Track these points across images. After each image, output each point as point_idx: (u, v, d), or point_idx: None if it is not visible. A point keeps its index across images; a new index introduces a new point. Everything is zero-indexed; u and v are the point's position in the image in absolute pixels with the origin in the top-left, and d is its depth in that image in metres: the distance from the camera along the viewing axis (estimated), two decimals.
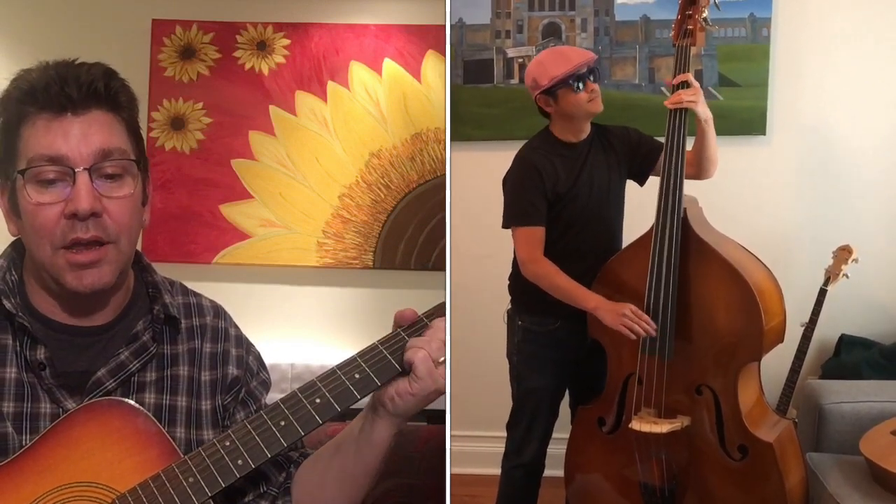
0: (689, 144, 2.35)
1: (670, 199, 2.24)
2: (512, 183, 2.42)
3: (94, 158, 1.21)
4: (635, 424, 2.27)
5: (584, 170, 2.41)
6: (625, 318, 2.24)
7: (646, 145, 2.48)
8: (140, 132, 1.32)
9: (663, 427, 2.24)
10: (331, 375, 1.22)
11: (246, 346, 1.42)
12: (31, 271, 1.28)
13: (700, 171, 2.41)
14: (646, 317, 2.24)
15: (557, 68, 2.33)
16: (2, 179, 1.27)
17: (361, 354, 1.23)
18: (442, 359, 1.21)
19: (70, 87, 1.21)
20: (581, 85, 2.34)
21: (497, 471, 2.60)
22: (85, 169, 1.20)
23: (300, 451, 1.40)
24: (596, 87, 2.36)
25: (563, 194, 2.38)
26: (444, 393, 1.23)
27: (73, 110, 1.21)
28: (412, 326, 1.26)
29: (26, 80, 1.24)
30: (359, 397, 1.21)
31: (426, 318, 1.26)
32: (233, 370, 1.37)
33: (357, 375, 1.21)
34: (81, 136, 1.21)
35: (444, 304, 1.25)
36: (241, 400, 1.37)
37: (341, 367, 1.22)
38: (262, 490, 1.34)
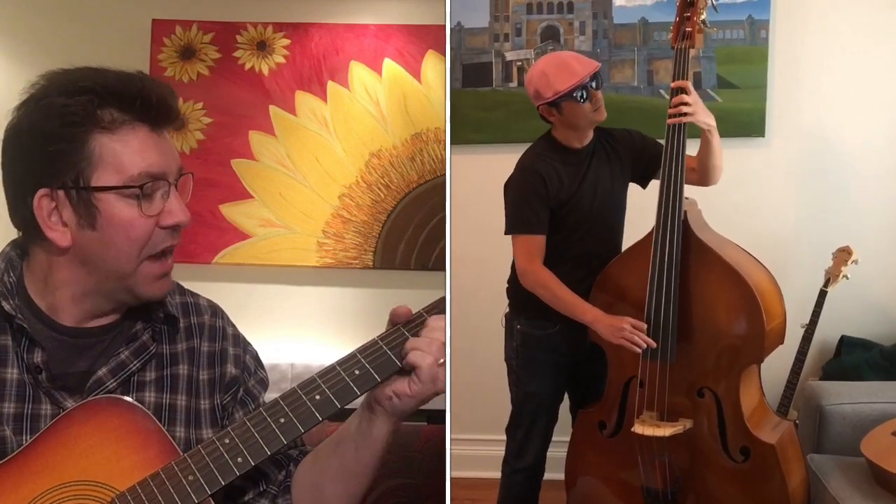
0: (693, 148, 2.35)
1: (670, 203, 2.23)
2: (514, 190, 2.41)
3: (178, 173, 1.25)
4: (638, 428, 2.26)
5: (588, 175, 2.40)
6: (624, 331, 2.23)
7: (650, 149, 2.46)
8: None
9: (666, 430, 2.24)
10: (330, 372, 1.21)
11: (243, 345, 1.41)
12: (68, 279, 1.24)
13: (704, 177, 2.39)
14: (642, 325, 2.23)
15: (562, 83, 2.28)
16: (53, 186, 1.18)
17: (361, 350, 1.22)
18: (442, 360, 1.21)
19: (171, 101, 1.23)
20: (585, 95, 2.31)
21: (498, 474, 2.59)
22: (174, 182, 1.24)
23: (300, 448, 1.39)
24: (599, 95, 2.34)
25: (566, 200, 2.37)
26: (441, 392, 1.22)
27: (167, 126, 1.24)
28: (412, 322, 1.25)
29: (93, 83, 1.19)
30: (359, 394, 1.20)
31: (425, 312, 1.26)
32: (231, 369, 1.36)
33: (357, 371, 1.20)
34: (170, 151, 1.24)
35: (443, 299, 1.25)
36: (239, 399, 1.36)
37: (341, 363, 1.22)
38: (261, 488, 1.33)
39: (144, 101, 1.20)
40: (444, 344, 1.21)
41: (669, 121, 2.23)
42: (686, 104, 2.20)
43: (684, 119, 2.21)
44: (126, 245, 1.21)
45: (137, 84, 1.21)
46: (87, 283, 1.24)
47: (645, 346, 2.22)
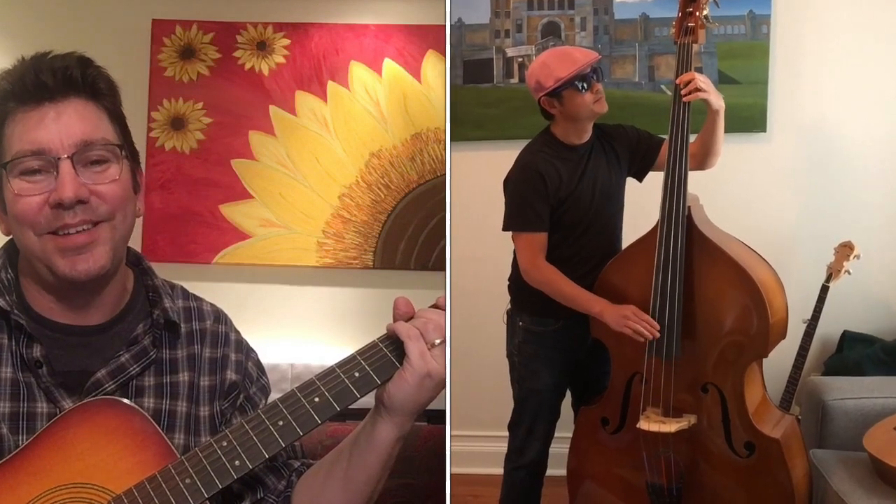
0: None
1: (675, 198, 2.23)
2: (514, 187, 2.40)
3: (76, 147, 1.20)
4: (643, 424, 2.25)
5: (587, 172, 2.40)
6: (627, 319, 2.23)
7: (645, 142, 2.47)
8: (125, 119, 1.30)
9: (672, 426, 2.23)
10: (330, 374, 1.19)
11: (246, 351, 1.40)
12: (26, 268, 1.27)
13: (703, 162, 2.41)
14: (647, 317, 2.23)
15: (563, 70, 2.30)
16: None
17: (361, 352, 1.21)
18: (438, 341, 1.18)
19: (45, 75, 1.19)
20: (586, 85, 2.32)
21: (500, 470, 2.59)
22: (67, 157, 1.19)
23: (303, 460, 1.37)
24: (600, 87, 2.35)
25: (565, 198, 2.37)
26: (436, 378, 1.18)
27: (50, 99, 1.20)
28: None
29: (6, 79, 1.23)
30: (358, 396, 1.19)
31: None
32: (231, 375, 1.35)
33: (357, 374, 1.19)
34: (61, 124, 1.20)
35: (443, 297, 1.24)
36: (239, 406, 1.35)
37: (340, 365, 1.20)
38: (259, 496, 1.31)
39: (23, 78, 1.20)
40: (438, 324, 1.19)
41: (685, 98, 2.22)
42: (701, 82, 2.21)
43: (699, 94, 2.21)
44: (15, 223, 1.22)
45: (27, 65, 1.22)
46: (29, 268, 1.26)
47: (648, 336, 2.22)
